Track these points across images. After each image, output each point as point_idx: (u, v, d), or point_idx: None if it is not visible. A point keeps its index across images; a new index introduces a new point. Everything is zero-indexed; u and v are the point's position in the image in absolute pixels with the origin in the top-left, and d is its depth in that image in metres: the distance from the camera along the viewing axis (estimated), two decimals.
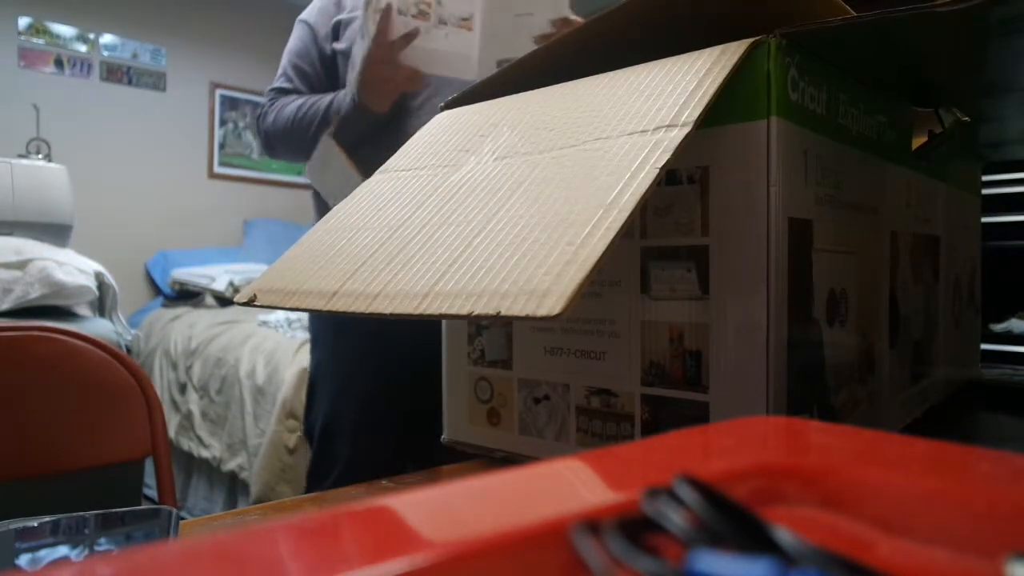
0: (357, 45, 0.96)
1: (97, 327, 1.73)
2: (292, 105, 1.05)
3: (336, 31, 1.05)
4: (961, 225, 0.59)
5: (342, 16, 1.05)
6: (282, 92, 1.08)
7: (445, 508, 0.14)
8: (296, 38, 1.09)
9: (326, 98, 1.02)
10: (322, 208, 1.07)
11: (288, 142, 1.07)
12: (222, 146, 3.39)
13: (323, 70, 1.07)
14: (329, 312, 0.30)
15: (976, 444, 0.17)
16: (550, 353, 0.39)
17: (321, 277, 0.33)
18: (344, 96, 0.99)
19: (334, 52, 1.06)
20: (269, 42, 3.08)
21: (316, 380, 1.13)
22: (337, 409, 1.07)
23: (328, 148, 0.96)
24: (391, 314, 0.28)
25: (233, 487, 2.07)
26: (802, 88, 0.33)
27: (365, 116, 0.95)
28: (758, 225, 0.31)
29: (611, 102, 0.33)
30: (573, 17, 0.89)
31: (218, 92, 3.40)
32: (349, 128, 0.97)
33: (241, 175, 3.45)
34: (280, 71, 1.10)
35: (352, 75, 0.97)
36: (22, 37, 2.98)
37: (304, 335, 2.00)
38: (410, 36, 0.88)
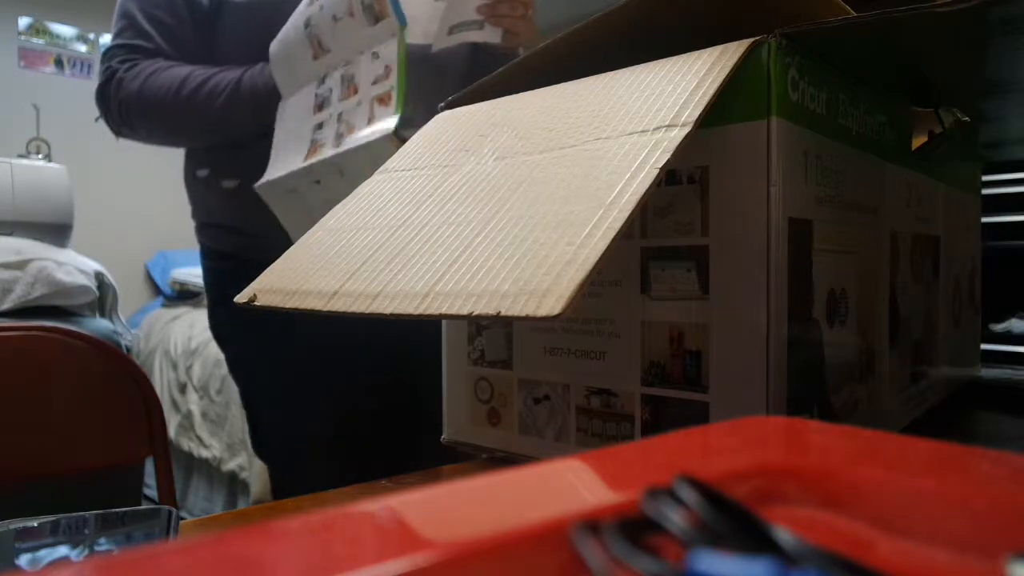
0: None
1: (97, 327, 1.74)
2: (173, 71, 0.80)
3: None
4: (961, 225, 0.59)
5: None
6: (138, 50, 0.83)
7: (445, 508, 0.14)
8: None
9: (231, 72, 0.80)
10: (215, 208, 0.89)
11: (165, 119, 0.83)
12: None
13: (194, 25, 0.83)
14: (329, 312, 0.30)
15: (976, 444, 0.17)
16: (550, 353, 0.39)
17: (321, 277, 0.33)
18: (261, 73, 0.78)
19: (216, 2, 0.82)
20: None
21: (255, 400, 0.95)
22: (302, 430, 0.91)
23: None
24: (391, 314, 0.28)
25: (233, 487, 2.07)
26: (802, 88, 0.33)
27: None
28: (758, 225, 0.31)
29: (611, 102, 0.33)
30: None
31: None
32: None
33: None
34: (123, 23, 0.84)
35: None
36: (22, 37, 2.98)
37: None
38: None
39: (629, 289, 0.35)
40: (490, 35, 0.80)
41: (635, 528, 0.13)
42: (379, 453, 0.92)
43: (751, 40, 0.31)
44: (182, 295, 2.96)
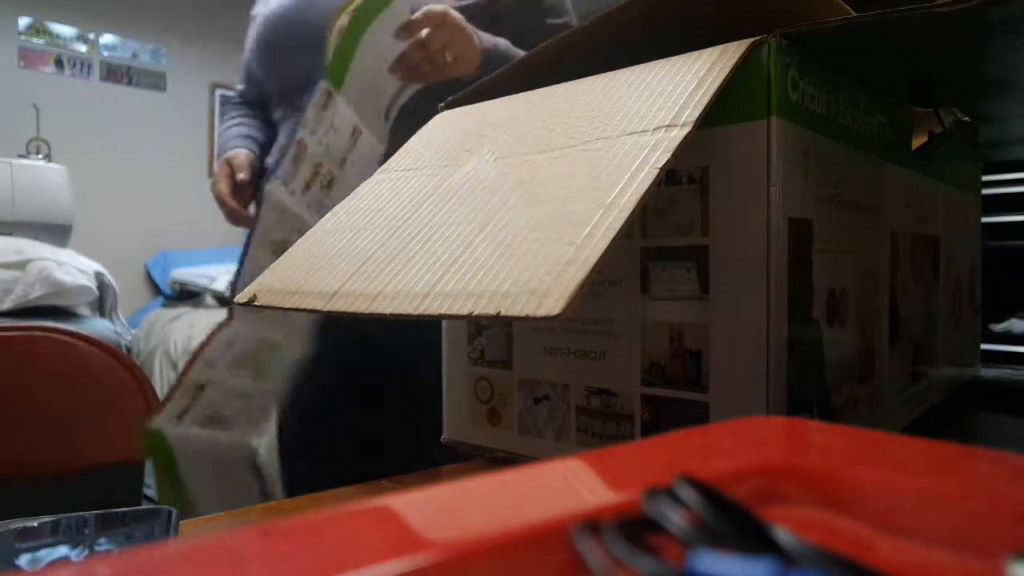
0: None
1: (97, 327, 1.74)
2: (224, 126, 0.98)
3: None
4: (961, 225, 0.59)
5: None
6: (238, 92, 1.02)
7: (445, 508, 0.14)
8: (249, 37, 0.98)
9: (231, 133, 0.95)
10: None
11: None
12: None
13: (259, 65, 0.98)
14: (328, 312, 0.30)
15: (976, 444, 0.17)
16: (550, 353, 0.39)
17: (321, 277, 0.33)
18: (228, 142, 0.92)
19: (251, 47, 0.95)
20: None
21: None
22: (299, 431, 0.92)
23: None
24: (391, 314, 0.28)
25: None
26: (802, 88, 0.33)
27: None
28: (758, 225, 0.31)
29: (611, 102, 0.33)
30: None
31: (218, 92, 3.40)
32: None
33: None
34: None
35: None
36: (22, 37, 2.98)
37: None
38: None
39: (629, 289, 0.35)
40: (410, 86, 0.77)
41: (635, 528, 0.13)
42: (379, 453, 0.92)
43: (751, 40, 0.31)
44: (182, 295, 2.95)
